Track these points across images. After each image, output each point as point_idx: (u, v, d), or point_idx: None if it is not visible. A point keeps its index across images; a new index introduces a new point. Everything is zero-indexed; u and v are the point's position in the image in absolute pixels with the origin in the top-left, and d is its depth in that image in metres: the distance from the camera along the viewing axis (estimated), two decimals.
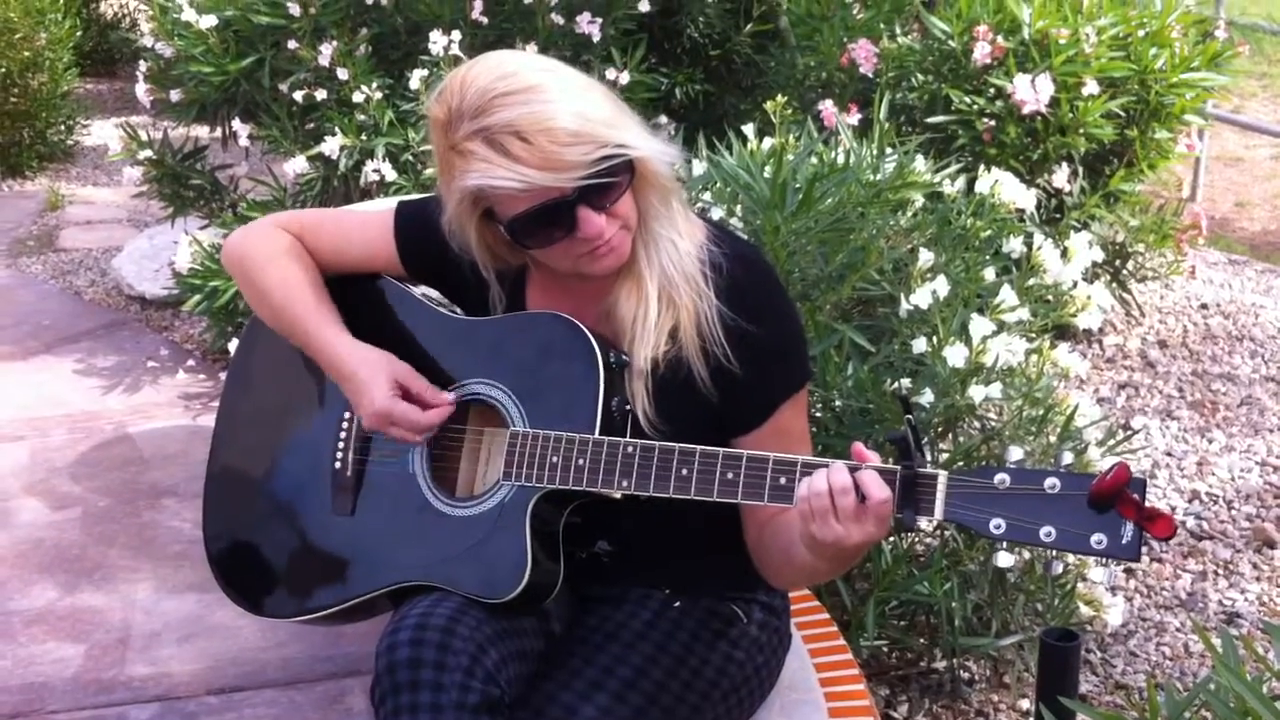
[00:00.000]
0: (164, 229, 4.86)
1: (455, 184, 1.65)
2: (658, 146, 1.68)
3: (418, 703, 1.58)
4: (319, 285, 1.92)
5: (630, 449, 1.66)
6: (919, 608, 2.56)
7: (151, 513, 3.18)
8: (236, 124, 4.14)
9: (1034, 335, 2.66)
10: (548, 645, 1.79)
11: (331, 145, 3.88)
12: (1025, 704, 2.61)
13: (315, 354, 1.89)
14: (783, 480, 1.59)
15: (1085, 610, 2.59)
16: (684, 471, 1.63)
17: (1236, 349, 4.32)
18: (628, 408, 1.72)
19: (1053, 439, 2.47)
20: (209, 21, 4.02)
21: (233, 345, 2.17)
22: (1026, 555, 2.58)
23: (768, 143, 2.96)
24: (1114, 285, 4.33)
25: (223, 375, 2.42)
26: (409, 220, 1.91)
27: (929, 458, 1.75)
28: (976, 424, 2.56)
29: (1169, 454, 3.65)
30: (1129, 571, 3.10)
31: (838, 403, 2.49)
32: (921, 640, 2.63)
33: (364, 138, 3.92)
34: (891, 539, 2.53)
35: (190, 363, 4.15)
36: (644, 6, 4.13)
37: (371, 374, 1.82)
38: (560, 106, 1.59)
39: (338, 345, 1.86)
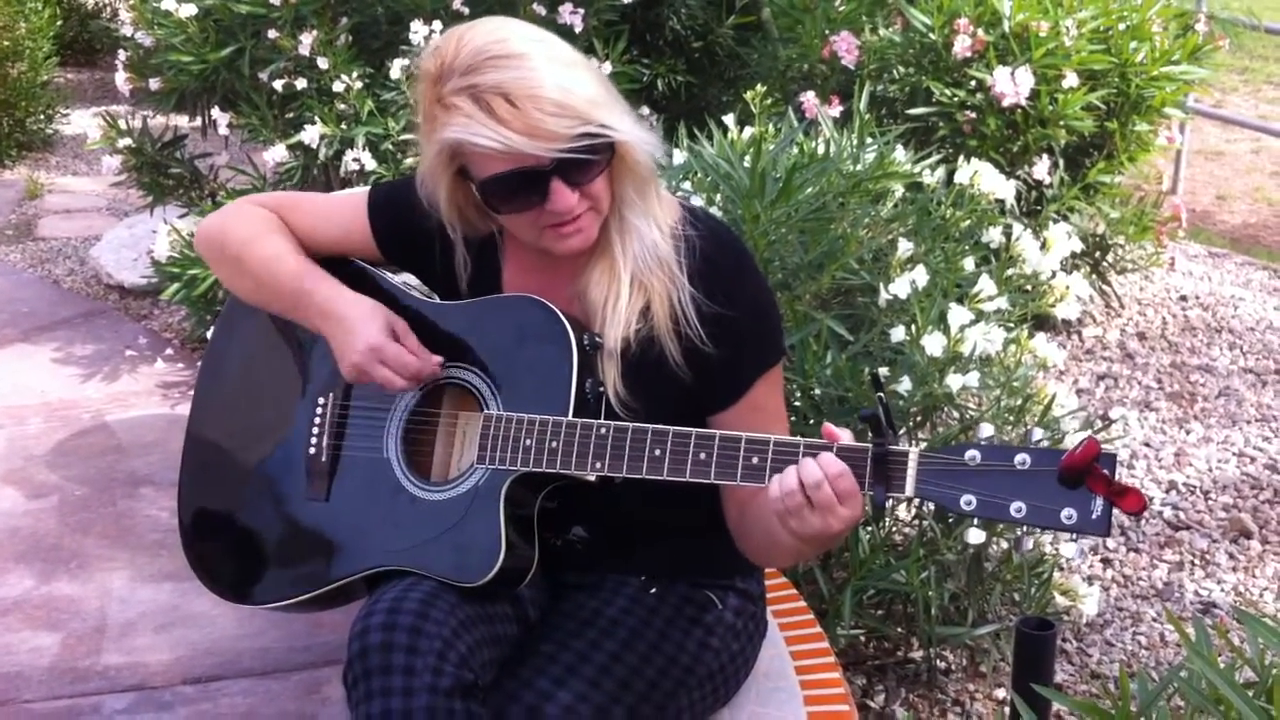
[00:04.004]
0: (143, 218, 4.84)
1: (435, 135, 1.65)
2: (641, 135, 1.69)
3: (390, 687, 1.58)
4: (302, 251, 1.92)
5: (603, 430, 1.65)
6: (896, 597, 2.57)
7: (128, 501, 3.17)
8: (216, 113, 4.13)
9: (1012, 325, 2.66)
10: (523, 631, 1.79)
11: (311, 134, 3.88)
12: (1001, 693, 2.62)
13: (304, 305, 1.86)
14: (755, 460, 1.58)
15: (1061, 600, 2.60)
16: (657, 452, 1.63)
17: (1215, 341, 4.34)
18: (601, 389, 1.72)
19: (1030, 428, 2.48)
20: (189, 10, 4.01)
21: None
22: (1004, 544, 2.59)
23: (748, 132, 2.95)
24: (1093, 277, 4.34)
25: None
26: (382, 200, 1.91)
27: (900, 437, 1.74)
28: (955, 413, 2.56)
29: (1147, 445, 3.66)
30: (1106, 561, 3.11)
31: (816, 391, 2.49)
32: (898, 629, 2.63)
33: (344, 127, 3.91)
34: (869, 527, 2.54)
35: (168, 351, 4.14)
36: None
37: (367, 313, 1.81)
38: (550, 78, 1.60)
39: (331, 290, 1.85)
